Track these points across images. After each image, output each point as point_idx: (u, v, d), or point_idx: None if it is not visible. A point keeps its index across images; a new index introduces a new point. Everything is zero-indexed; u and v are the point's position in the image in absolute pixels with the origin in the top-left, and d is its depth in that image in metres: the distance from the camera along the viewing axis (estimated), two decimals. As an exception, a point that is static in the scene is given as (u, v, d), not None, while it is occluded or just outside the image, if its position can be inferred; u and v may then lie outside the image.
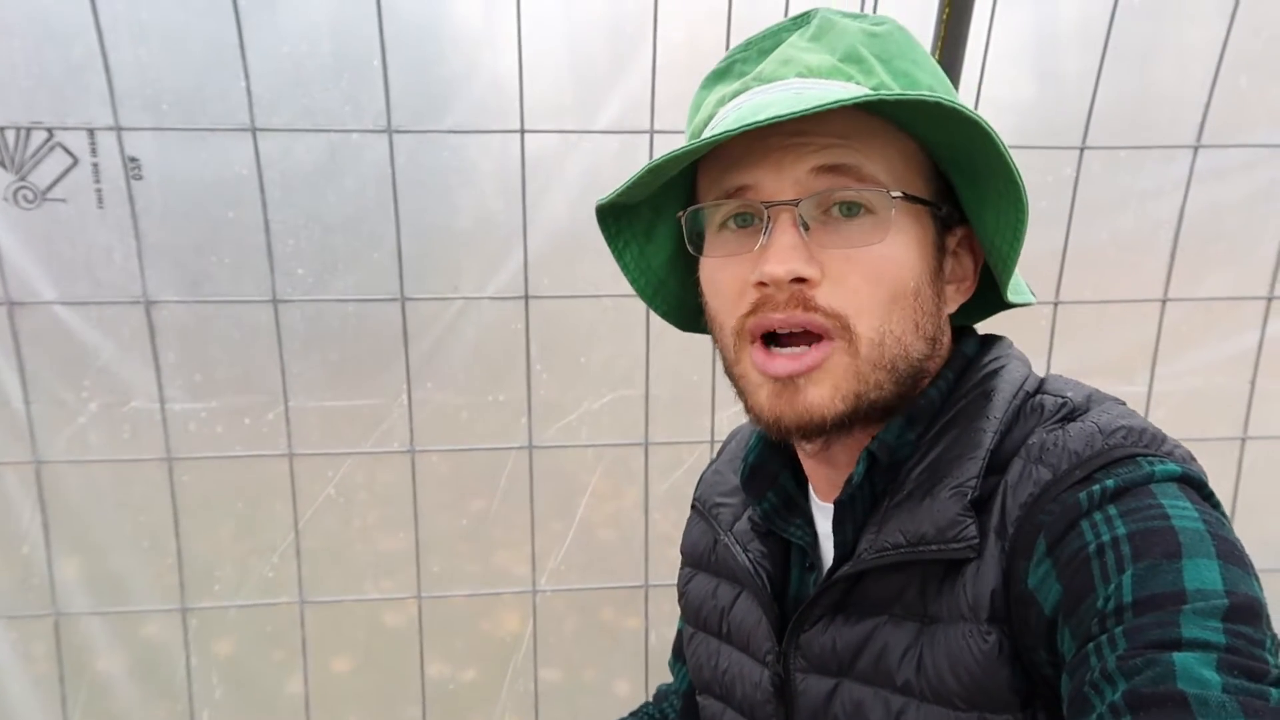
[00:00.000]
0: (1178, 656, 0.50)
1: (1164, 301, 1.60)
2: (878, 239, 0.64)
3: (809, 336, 0.66)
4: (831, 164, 0.64)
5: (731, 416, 1.57)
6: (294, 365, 1.48)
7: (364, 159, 1.40)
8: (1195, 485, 0.60)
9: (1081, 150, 1.49)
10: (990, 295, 0.76)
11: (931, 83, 0.69)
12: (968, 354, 0.72)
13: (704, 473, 0.94)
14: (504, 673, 1.69)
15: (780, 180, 0.65)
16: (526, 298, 1.48)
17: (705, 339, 1.55)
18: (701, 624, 0.86)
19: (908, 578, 0.67)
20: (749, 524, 0.80)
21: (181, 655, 1.56)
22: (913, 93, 0.60)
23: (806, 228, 0.64)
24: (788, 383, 0.66)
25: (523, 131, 1.39)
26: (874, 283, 0.65)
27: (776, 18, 0.74)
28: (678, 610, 1.80)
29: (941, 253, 0.70)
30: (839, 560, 0.70)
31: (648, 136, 1.41)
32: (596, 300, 1.52)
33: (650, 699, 1.08)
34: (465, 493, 1.60)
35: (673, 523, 1.61)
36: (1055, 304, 1.56)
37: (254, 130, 1.35)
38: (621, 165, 1.44)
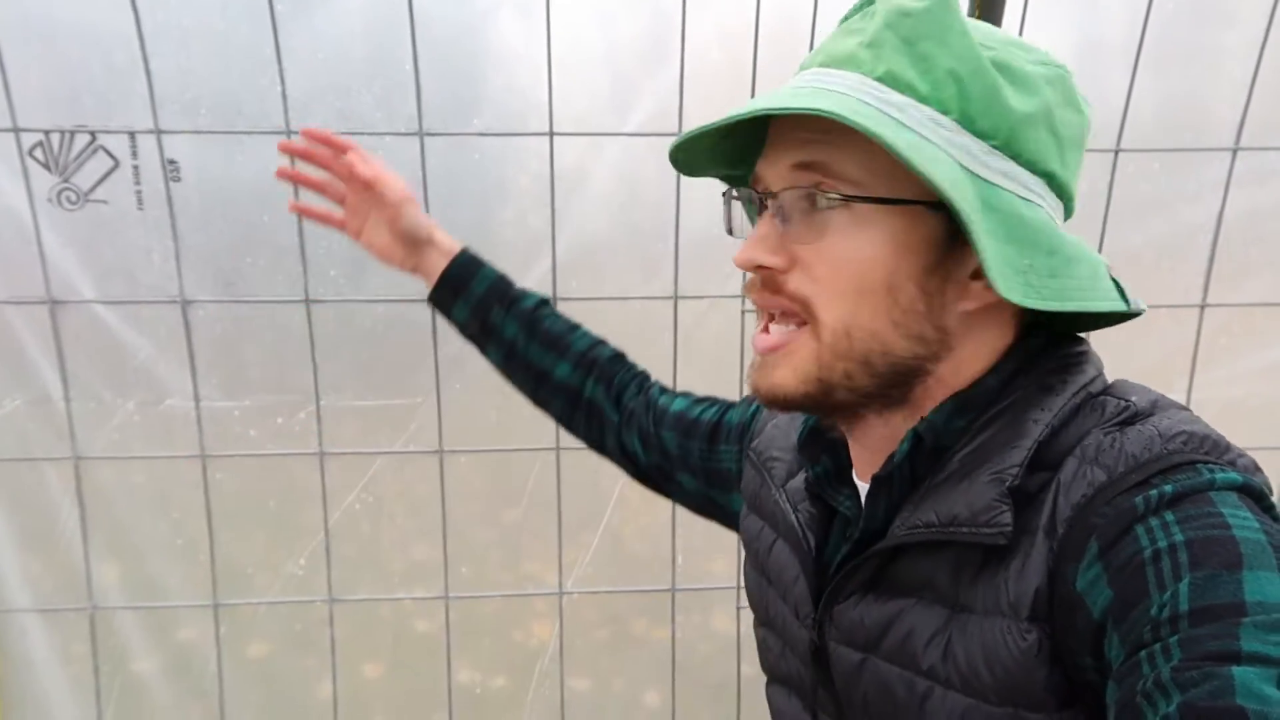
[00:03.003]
0: (1237, 671, 0.49)
1: (1202, 307, 1.57)
2: (840, 234, 0.65)
3: (787, 320, 0.69)
4: (805, 161, 0.66)
5: (759, 420, 1.57)
6: (325, 365, 1.50)
7: (395, 161, 1.40)
8: (1255, 496, 0.59)
9: (1116, 153, 1.48)
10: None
11: (954, 65, 0.64)
12: (1032, 349, 0.70)
13: (764, 421, 0.93)
14: (530, 679, 1.70)
15: (770, 172, 0.68)
16: (555, 300, 1.48)
17: (734, 342, 1.54)
18: (754, 560, 0.88)
19: (940, 562, 0.66)
20: (803, 483, 0.81)
21: (213, 652, 1.58)
22: (775, 106, 0.62)
23: (788, 219, 0.67)
24: (761, 359, 0.71)
25: (551, 134, 1.40)
26: (839, 276, 0.66)
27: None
28: (707, 618, 1.79)
29: (941, 250, 0.67)
30: (866, 534, 0.71)
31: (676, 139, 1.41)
32: (625, 303, 1.52)
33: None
34: (493, 495, 1.61)
35: (699, 529, 1.60)
36: (1089, 309, 1.53)
37: (289, 133, 1.38)
38: (650, 168, 1.45)
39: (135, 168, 1.39)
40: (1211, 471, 0.58)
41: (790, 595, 0.79)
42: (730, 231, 0.74)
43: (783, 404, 0.70)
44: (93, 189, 1.40)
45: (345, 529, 1.57)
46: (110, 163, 1.39)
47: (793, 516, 0.79)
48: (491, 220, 1.50)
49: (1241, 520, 0.55)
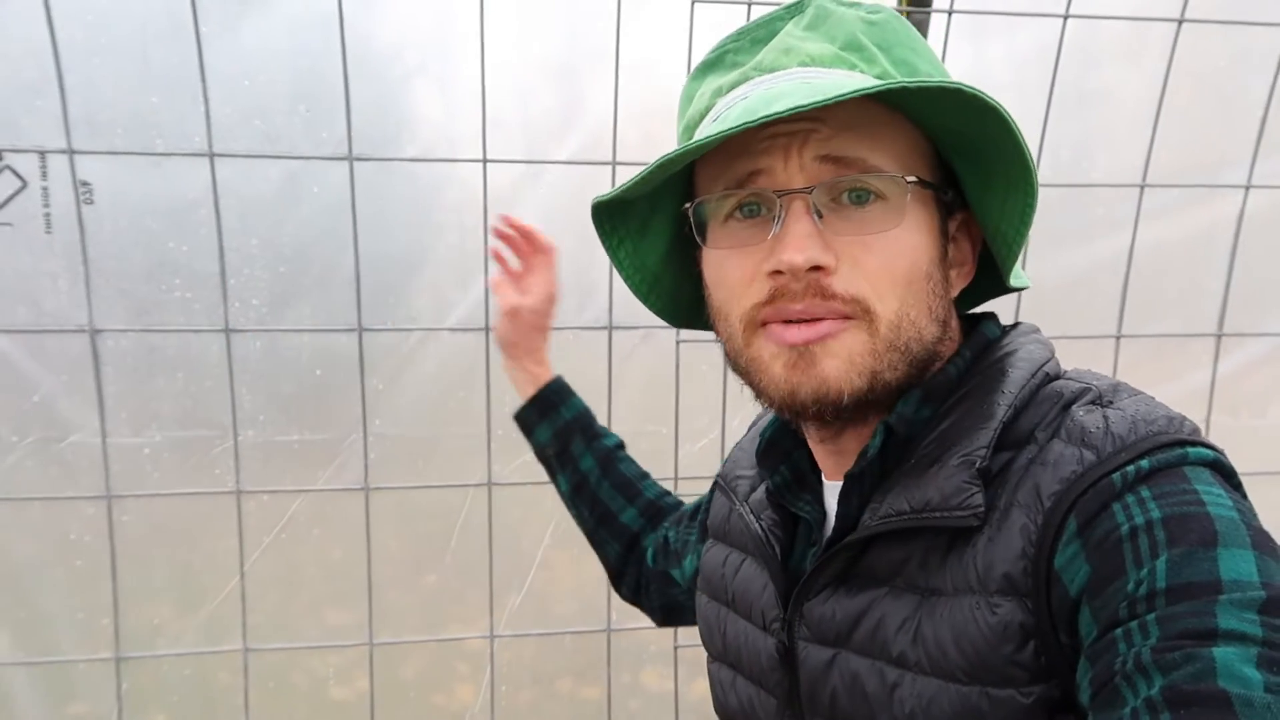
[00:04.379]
0: (1218, 652, 0.49)
1: (1118, 338, 1.62)
2: (892, 224, 0.64)
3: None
4: (837, 154, 0.64)
5: (696, 452, 1.55)
6: (244, 398, 1.43)
7: (323, 187, 1.39)
8: (1225, 473, 0.60)
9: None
10: (984, 281, 0.76)
11: (930, 70, 0.69)
12: (989, 335, 0.72)
13: (732, 452, 0.94)
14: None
15: (788, 168, 0.65)
16: (487, 329, 1.46)
17: (669, 372, 1.53)
18: (712, 591, 0.86)
19: (910, 550, 0.65)
20: (764, 494, 0.80)
21: (114, 710, 1.46)
22: (934, 80, 0.60)
23: (820, 215, 0.64)
24: (803, 352, 0.65)
25: (485, 161, 1.39)
26: (890, 267, 0.65)
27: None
28: (638, 671, 1.75)
29: (945, 237, 0.70)
30: (840, 532, 0.69)
31: (610, 168, 1.42)
32: (558, 333, 1.50)
33: None
34: (421, 532, 1.55)
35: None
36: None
37: (211, 155, 1.34)
38: (584, 196, 1.44)
39: (44, 189, 1.32)
40: (1185, 448, 0.59)
41: (756, 606, 0.78)
42: (703, 241, 0.70)
43: (834, 401, 0.65)
44: (-4, 211, 1.33)
45: (263, 573, 1.48)
46: (17, 183, 1.32)
47: (756, 525, 0.79)
48: (422, 248, 1.47)
49: (1215, 497, 0.56)
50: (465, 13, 1.33)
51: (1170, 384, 1.68)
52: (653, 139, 1.43)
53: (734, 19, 1.36)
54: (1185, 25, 1.47)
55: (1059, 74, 1.48)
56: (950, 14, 1.41)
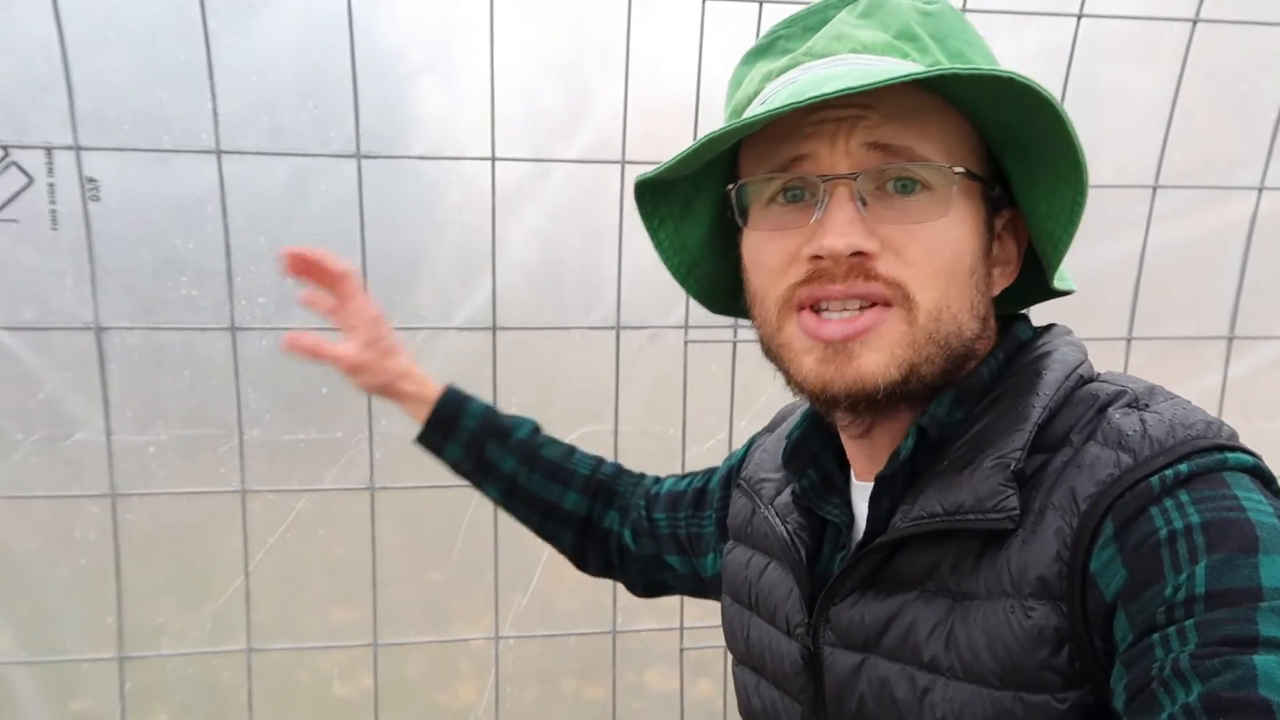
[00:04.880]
0: (1259, 660, 0.49)
1: (1129, 340, 1.61)
2: (938, 215, 0.64)
3: (863, 303, 0.65)
4: (884, 142, 0.64)
5: (703, 453, 1.54)
6: (250, 397, 1.43)
7: (331, 184, 1.38)
8: (1265, 479, 0.59)
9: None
10: (1026, 283, 0.75)
11: (984, 63, 0.68)
12: (1022, 337, 0.71)
13: (753, 451, 0.92)
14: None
15: (834, 153, 0.64)
16: (495, 329, 1.45)
17: (676, 372, 1.53)
18: (735, 594, 0.85)
19: (941, 553, 0.64)
20: (790, 497, 0.79)
21: (117, 710, 1.46)
22: (986, 68, 0.59)
23: (864, 203, 0.63)
24: (839, 348, 0.64)
25: (494, 159, 1.38)
26: (934, 257, 0.64)
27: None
28: (643, 671, 1.74)
29: (991, 233, 0.69)
30: (870, 535, 0.68)
31: (619, 167, 1.41)
32: (566, 333, 1.49)
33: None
34: (427, 532, 1.54)
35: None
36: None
37: (219, 153, 1.33)
38: (589, 195, 1.44)
39: (50, 185, 1.32)
40: (1224, 453, 0.58)
41: (780, 611, 0.77)
42: (745, 224, 0.69)
43: (870, 395, 0.64)
44: (2, 207, 1.32)
45: (267, 572, 1.47)
46: (23, 179, 1.31)
47: (782, 529, 0.78)
48: (429, 246, 1.46)
49: (1255, 503, 0.55)
50: (472, 10, 1.32)
51: (1181, 387, 1.63)
52: (656, 137, 1.42)
53: (746, 16, 1.35)
54: (1200, 25, 1.46)
55: (1071, 73, 1.47)
56: (963, 13, 1.40)
